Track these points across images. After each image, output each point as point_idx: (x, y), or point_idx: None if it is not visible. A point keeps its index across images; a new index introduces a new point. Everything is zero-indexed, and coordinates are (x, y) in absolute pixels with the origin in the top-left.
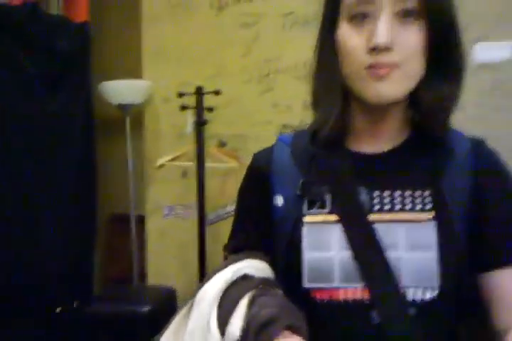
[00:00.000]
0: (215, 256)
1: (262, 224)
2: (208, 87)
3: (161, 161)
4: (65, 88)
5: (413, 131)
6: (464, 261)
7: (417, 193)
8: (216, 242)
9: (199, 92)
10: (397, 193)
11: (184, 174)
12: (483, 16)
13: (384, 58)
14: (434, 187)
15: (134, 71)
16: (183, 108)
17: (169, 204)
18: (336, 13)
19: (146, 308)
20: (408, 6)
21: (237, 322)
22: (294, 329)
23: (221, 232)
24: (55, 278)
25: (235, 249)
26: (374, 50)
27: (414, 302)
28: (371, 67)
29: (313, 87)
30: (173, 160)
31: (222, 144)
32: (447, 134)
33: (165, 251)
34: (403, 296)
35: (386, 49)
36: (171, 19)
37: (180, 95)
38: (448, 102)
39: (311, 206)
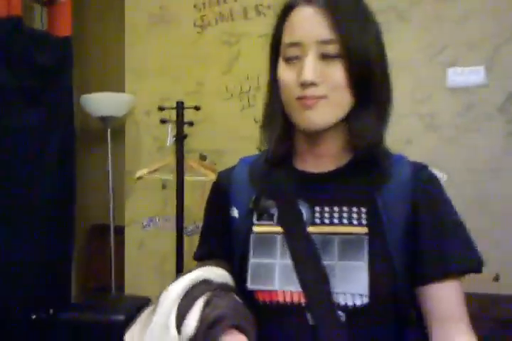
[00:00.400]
0: (192, 266)
1: (223, 235)
2: (189, 103)
3: (139, 173)
4: (46, 101)
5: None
6: (397, 272)
7: (354, 209)
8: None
9: (179, 107)
10: (336, 209)
11: (164, 186)
12: (456, 42)
13: (310, 92)
14: (370, 206)
15: (116, 84)
16: (163, 121)
17: (149, 216)
18: (277, 53)
19: (121, 317)
20: (330, 49)
21: (191, 322)
22: (241, 329)
23: None
24: (33, 286)
25: (201, 258)
26: (303, 85)
27: (345, 308)
28: (300, 98)
29: (263, 113)
30: (151, 172)
31: (203, 157)
32: (386, 158)
33: (143, 262)
34: (334, 301)
35: (312, 84)
36: (154, 35)
37: (161, 109)
38: (372, 131)
39: (260, 218)
